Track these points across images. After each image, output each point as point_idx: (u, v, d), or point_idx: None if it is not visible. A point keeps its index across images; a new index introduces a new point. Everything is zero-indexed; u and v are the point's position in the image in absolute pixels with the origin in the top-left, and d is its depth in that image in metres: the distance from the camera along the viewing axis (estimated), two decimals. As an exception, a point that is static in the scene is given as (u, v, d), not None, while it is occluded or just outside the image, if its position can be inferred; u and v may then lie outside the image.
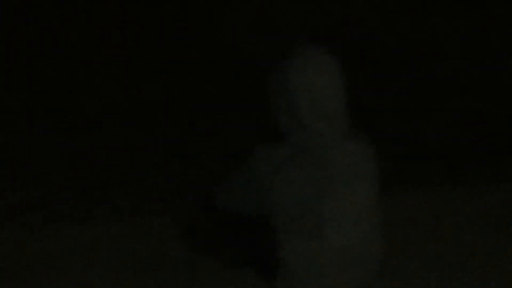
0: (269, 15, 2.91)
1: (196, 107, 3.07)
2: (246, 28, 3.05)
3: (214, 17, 3.01)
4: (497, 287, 2.36)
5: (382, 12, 3.04)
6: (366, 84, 3.07)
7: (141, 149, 2.96)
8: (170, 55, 3.09)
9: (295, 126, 2.14)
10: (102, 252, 2.48)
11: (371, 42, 3.06)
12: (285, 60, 2.16)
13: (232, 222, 2.39)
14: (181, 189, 2.78)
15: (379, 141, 2.29)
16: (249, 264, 2.39)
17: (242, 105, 3.01)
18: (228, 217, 2.36)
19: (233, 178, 2.26)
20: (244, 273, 2.38)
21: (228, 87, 3.04)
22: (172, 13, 3.09)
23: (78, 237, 2.53)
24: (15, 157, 2.95)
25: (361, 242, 2.20)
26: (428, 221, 2.64)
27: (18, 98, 3.20)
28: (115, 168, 2.88)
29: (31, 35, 3.25)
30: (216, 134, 2.96)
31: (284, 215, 2.15)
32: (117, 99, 3.15)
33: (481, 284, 2.36)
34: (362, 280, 2.25)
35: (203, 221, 2.56)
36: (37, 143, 3.02)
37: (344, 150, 2.16)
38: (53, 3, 3.16)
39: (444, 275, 2.40)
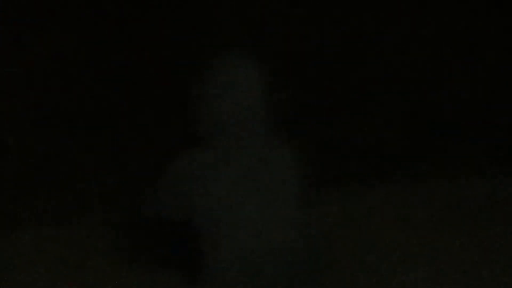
0: (196, 20, 2.92)
1: (124, 111, 3.04)
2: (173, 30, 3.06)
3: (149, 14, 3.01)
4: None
5: (317, 20, 3.09)
6: (297, 88, 3.10)
7: (67, 153, 2.92)
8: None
9: (217, 131, 2.16)
10: (26, 257, 2.45)
11: (303, 50, 3.10)
12: (206, 65, 2.18)
13: (158, 225, 2.38)
14: (109, 194, 2.76)
15: (306, 144, 2.32)
16: (173, 266, 2.38)
17: (167, 110, 3.00)
18: (154, 221, 2.36)
19: (159, 183, 2.26)
20: (168, 275, 2.38)
21: (151, 91, 3.03)
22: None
23: (2, 242, 2.50)
24: None
25: (285, 244, 2.22)
26: (360, 220, 2.68)
27: None
28: (45, 172, 2.84)
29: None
30: (142, 138, 2.94)
31: (207, 219, 2.16)
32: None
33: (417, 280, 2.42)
34: (286, 282, 2.27)
35: (130, 225, 2.55)
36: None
37: (266, 154, 2.18)
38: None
39: (377, 272, 2.44)
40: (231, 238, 2.17)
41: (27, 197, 2.73)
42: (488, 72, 3.18)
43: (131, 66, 2.91)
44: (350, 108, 3.07)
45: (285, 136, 2.27)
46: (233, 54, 2.19)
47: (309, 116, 2.96)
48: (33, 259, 2.47)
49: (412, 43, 3.14)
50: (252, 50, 2.21)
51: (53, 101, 2.93)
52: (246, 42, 2.75)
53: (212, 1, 2.93)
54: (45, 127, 2.91)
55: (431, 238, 2.64)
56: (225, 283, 2.21)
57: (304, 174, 2.28)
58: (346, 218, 2.71)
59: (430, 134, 3.06)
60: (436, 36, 3.12)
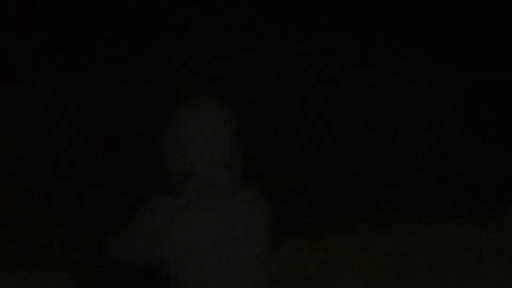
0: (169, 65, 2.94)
1: (92, 154, 3.03)
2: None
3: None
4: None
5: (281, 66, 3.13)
6: (259, 135, 3.13)
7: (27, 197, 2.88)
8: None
9: (188, 175, 2.15)
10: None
11: (264, 93, 3.14)
12: (177, 110, 2.18)
13: (123, 273, 2.35)
14: (71, 240, 2.72)
15: (275, 189, 2.34)
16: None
17: (137, 153, 2.99)
18: (119, 268, 2.33)
19: (126, 228, 2.23)
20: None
21: (122, 134, 3.03)
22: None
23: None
24: None
25: (254, 288, 2.21)
26: (317, 269, 2.68)
27: None
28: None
29: None
30: (109, 182, 2.92)
31: (176, 265, 2.14)
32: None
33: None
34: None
35: (95, 271, 2.51)
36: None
37: (236, 199, 2.18)
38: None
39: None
40: (200, 283, 2.15)
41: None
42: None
43: (103, 110, 2.93)
44: (320, 154, 3.11)
45: (254, 182, 2.27)
46: (203, 99, 2.20)
47: (279, 162, 2.99)
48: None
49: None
50: (221, 95, 2.22)
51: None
52: (215, 88, 2.78)
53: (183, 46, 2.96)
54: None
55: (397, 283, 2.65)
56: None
57: (273, 220, 2.28)
58: (313, 262, 2.71)
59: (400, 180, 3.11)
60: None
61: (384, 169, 3.14)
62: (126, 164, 2.97)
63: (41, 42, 2.98)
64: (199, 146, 2.14)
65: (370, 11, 3.48)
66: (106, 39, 3.15)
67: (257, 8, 3.40)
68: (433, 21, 3.56)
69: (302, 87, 3.10)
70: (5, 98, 2.92)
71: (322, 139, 3.19)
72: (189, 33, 3.12)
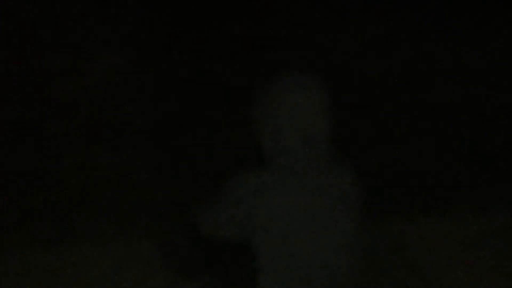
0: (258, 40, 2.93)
1: (182, 129, 3.07)
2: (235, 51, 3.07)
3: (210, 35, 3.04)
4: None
5: (372, 39, 3.07)
6: (353, 110, 3.08)
7: (126, 168, 2.94)
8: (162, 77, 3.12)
9: (279, 150, 2.14)
10: (83, 274, 2.45)
11: (359, 68, 3.08)
12: (270, 84, 2.16)
13: (212, 245, 2.37)
14: (164, 211, 2.77)
15: (364, 167, 2.30)
16: (228, 284, 2.37)
17: (226, 128, 3.01)
18: (209, 241, 2.35)
19: (217, 200, 2.24)
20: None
21: (214, 110, 3.05)
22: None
23: (60, 258, 2.51)
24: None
25: (343, 269, 2.18)
26: (413, 249, 2.63)
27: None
28: (98, 187, 2.87)
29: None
30: (203, 157, 2.96)
31: (265, 239, 2.13)
32: (100, 116, 3.16)
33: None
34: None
35: (185, 244, 2.55)
36: (15, 162, 3.00)
37: (327, 175, 2.16)
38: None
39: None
40: (287, 259, 2.14)
41: (79, 210, 2.76)
42: None
43: (193, 83, 2.95)
44: (415, 132, 3.05)
45: (344, 160, 2.24)
46: (297, 74, 2.17)
47: (370, 142, 2.95)
48: (88, 272, 2.47)
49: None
50: (315, 71, 2.19)
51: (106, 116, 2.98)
52: (310, 62, 2.75)
53: (276, 21, 2.94)
54: (98, 142, 2.96)
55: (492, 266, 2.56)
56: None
57: (362, 200, 2.24)
58: (402, 245, 2.66)
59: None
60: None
61: (480, 152, 3.05)
62: (220, 138, 3.00)
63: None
64: (291, 122, 2.12)
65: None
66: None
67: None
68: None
69: (397, 64, 3.04)
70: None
71: (416, 118, 3.12)
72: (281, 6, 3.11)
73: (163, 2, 3.14)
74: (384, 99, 3.15)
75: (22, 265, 2.47)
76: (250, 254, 2.18)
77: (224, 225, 2.23)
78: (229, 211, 2.18)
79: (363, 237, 2.24)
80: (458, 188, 2.92)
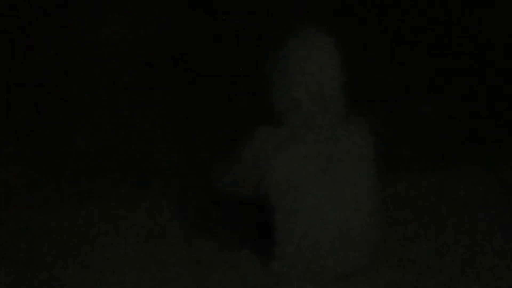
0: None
1: (196, 87, 3.07)
2: (248, 8, 3.05)
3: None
4: (497, 272, 2.36)
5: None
6: (367, 66, 3.07)
7: (141, 127, 2.95)
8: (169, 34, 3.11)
9: (293, 107, 2.14)
10: (101, 230, 2.48)
11: (375, 24, 3.06)
12: (283, 41, 2.16)
13: (230, 202, 2.40)
14: (181, 168, 2.79)
15: (380, 123, 2.30)
16: (246, 244, 2.39)
17: (241, 86, 3.01)
18: (226, 198, 2.37)
19: (232, 158, 2.26)
20: (241, 253, 2.39)
21: (227, 67, 3.05)
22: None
23: (77, 215, 2.54)
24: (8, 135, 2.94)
25: (358, 224, 2.20)
26: (428, 205, 2.64)
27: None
28: (114, 146, 2.88)
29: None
30: (217, 114, 2.96)
31: (282, 196, 2.15)
32: (116, 74, 3.15)
33: (483, 271, 2.36)
34: (357, 263, 2.26)
35: (202, 201, 2.57)
36: (30, 124, 3.01)
37: (341, 131, 2.16)
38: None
39: (442, 261, 2.40)
40: (303, 215, 2.16)
41: (96, 174, 2.78)
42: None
43: (207, 40, 2.95)
44: (431, 87, 3.04)
45: (359, 116, 2.24)
46: (310, 30, 2.16)
47: (387, 94, 2.95)
48: (106, 232, 2.50)
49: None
50: (330, 27, 2.18)
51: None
52: (324, 19, 2.73)
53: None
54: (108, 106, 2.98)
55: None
56: (296, 261, 2.21)
57: (376, 154, 2.25)
58: (415, 198, 2.66)
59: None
60: None
61: (493, 107, 3.04)
62: (233, 95, 2.99)
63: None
64: (304, 78, 2.12)
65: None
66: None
67: None
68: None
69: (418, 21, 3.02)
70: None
71: (434, 72, 3.10)
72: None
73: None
74: (395, 54, 3.13)
75: (31, 227, 2.50)
76: (267, 211, 2.21)
77: (242, 182, 2.25)
78: (247, 167, 2.20)
79: (378, 191, 2.26)
80: (470, 144, 2.91)
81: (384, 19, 3.19)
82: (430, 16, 3.22)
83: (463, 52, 3.24)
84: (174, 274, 2.34)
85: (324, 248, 2.18)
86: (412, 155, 2.87)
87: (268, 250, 2.25)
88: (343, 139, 2.16)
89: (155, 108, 3.06)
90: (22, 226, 2.51)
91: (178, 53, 3.10)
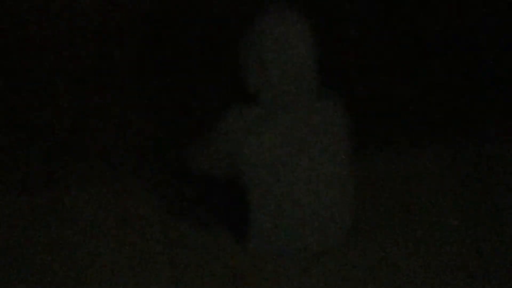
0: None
1: (169, 67, 3.05)
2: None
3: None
4: (469, 244, 2.40)
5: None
6: (339, 42, 3.06)
7: (115, 107, 2.94)
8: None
9: (265, 86, 2.14)
10: (78, 214, 2.48)
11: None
12: (255, 19, 2.15)
13: (204, 182, 2.39)
14: (155, 149, 2.77)
15: (352, 99, 2.30)
16: (221, 224, 2.40)
17: (213, 65, 2.99)
18: (200, 177, 2.37)
19: (205, 138, 2.26)
20: (216, 233, 2.39)
21: (199, 47, 3.03)
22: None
23: (54, 201, 2.53)
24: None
25: (333, 202, 2.21)
26: (400, 181, 2.65)
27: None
28: (88, 127, 2.86)
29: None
30: (190, 94, 2.95)
31: (255, 175, 2.16)
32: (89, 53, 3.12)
33: (455, 242, 2.39)
34: (333, 241, 2.28)
35: (176, 182, 2.57)
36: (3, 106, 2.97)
37: (314, 109, 2.17)
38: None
39: (415, 236, 2.43)
40: (278, 195, 2.17)
41: (77, 154, 2.76)
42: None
43: (175, 24, 2.94)
44: (404, 62, 3.04)
45: (332, 93, 2.24)
46: (282, 8, 2.15)
47: (354, 73, 2.95)
48: (80, 214, 2.50)
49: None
50: (301, 4, 2.18)
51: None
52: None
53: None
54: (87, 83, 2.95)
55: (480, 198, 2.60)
56: (272, 240, 2.22)
57: (351, 131, 2.26)
58: (391, 177, 2.68)
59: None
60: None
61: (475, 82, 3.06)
62: (207, 75, 2.98)
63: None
64: (276, 56, 2.12)
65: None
66: None
67: None
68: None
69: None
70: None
71: (407, 48, 3.11)
72: None
73: None
74: (374, 28, 3.13)
75: (13, 210, 2.49)
76: (241, 190, 2.21)
77: (215, 162, 2.24)
78: (220, 147, 2.20)
79: (353, 170, 2.27)
80: (449, 120, 2.92)
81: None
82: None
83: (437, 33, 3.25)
84: (150, 255, 2.34)
85: (300, 226, 2.19)
86: (386, 133, 2.88)
87: (243, 230, 2.26)
88: (317, 117, 2.17)
89: (128, 90, 3.05)
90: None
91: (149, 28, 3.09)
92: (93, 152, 2.78)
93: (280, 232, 2.20)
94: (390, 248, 2.38)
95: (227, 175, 2.25)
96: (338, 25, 3.13)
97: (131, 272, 2.30)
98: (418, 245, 2.40)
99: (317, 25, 2.19)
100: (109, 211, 2.50)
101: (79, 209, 2.51)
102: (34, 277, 2.29)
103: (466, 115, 2.98)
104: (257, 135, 2.13)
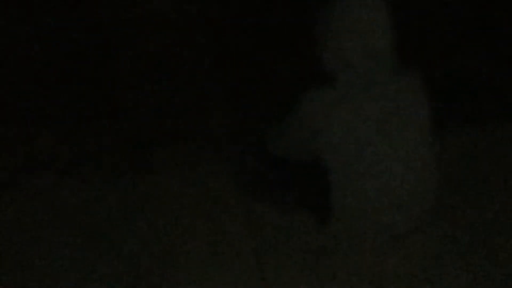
0: None
1: (246, 54, 3.07)
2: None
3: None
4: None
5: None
6: (417, 18, 3.02)
7: (192, 96, 2.97)
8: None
9: (343, 66, 2.13)
10: (158, 203, 2.52)
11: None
12: (332, 1, 2.14)
13: (285, 165, 2.40)
14: (234, 134, 2.80)
15: (428, 77, 2.27)
16: (303, 207, 2.41)
17: (290, 49, 2.99)
18: (281, 160, 2.38)
19: (286, 121, 2.27)
20: (299, 215, 2.40)
21: (277, 31, 3.04)
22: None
23: (133, 188, 2.57)
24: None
25: (415, 181, 2.19)
26: (482, 159, 2.60)
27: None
28: (164, 114, 2.90)
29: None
30: (267, 78, 2.96)
31: (337, 155, 2.15)
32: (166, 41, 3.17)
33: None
34: (413, 222, 2.26)
35: (258, 166, 2.59)
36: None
37: (393, 88, 2.15)
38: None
39: (497, 216, 2.38)
40: (358, 176, 2.16)
41: (155, 142, 2.80)
42: None
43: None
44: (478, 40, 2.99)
45: (411, 74, 2.21)
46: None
47: (437, 52, 2.90)
48: (165, 202, 2.53)
49: None
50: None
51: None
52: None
53: None
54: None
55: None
56: (354, 221, 2.22)
57: (431, 112, 2.22)
58: (474, 155, 2.63)
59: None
60: None
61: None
62: (284, 57, 2.98)
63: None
64: (353, 37, 2.11)
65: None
66: None
67: None
68: None
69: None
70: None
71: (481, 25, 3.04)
72: None
73: None
74: (447, 10, 3.08)
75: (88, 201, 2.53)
76: (321, 172, 2.21)
77: (297, 144, 2.25)
78: (301, 129, 2.20)
79: (433, 149, 2.24)
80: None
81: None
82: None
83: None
84: (232, 239, 2.36)
85: (382, 207, 2.18)
86: (465, 111, 2.83)
87: (325, 212, 2.26)
88: (396, 96, 2.14)
89: (207, 75, 3.07)
90: (85, 198, 2.55)
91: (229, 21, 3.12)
92: (178, 138, 2.81)
93: (362, 213, 2.20)
94: (474, 229, 2.34)
95: (308, 157, 2.25)
96: (414, 1, 3.10)
97: (215, 256, 2.33)
98: (503, 225, 2.35)
99: (393, 2, 2.17)
100: (189, 196, 2.53)
101: (159, 196, 2.55)
102: (132, 259, 2.33)
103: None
104: (338, 116, 2.12)
